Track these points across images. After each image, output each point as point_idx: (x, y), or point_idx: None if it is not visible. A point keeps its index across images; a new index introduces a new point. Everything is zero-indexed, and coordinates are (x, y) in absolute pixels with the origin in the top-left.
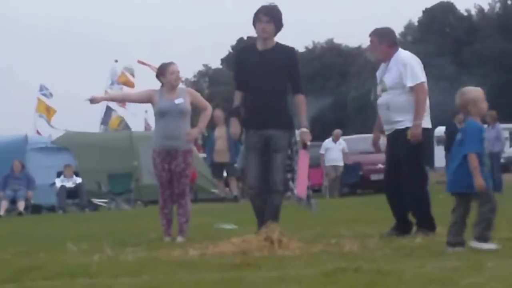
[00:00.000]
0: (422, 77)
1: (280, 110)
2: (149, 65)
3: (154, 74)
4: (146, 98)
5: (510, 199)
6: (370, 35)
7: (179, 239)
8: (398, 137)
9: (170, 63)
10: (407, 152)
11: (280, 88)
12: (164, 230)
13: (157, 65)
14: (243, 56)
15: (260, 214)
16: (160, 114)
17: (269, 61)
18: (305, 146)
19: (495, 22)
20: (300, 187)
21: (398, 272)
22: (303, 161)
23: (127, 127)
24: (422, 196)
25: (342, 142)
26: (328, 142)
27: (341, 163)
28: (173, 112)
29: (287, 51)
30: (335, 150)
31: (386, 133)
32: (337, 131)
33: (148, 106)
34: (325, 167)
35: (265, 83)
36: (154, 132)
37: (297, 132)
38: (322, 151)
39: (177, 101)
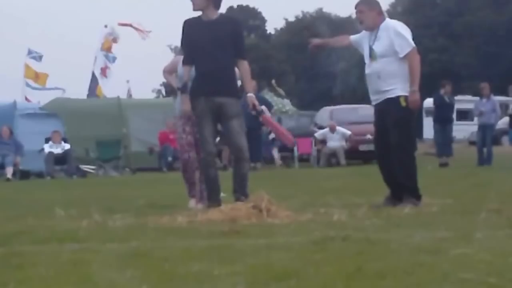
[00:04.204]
0: (413, 43)
1: (229, 77)
2: (130, 25)
3: (138, 34)
4: None
5: (499, 172)
6: (358, 5)
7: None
8: (388, 106)
9: None
10: (398, 120)
11: (228, 57)
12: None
13: (139, 24)
14: (190, 28)
15: (214, 186)
16: None
17: (215, 31)
18: (254, 106)
19: None
20: (287, 138)
21: (386, 241)
22: (270, 119)
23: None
24: (412, 164)
25: (340, 130)
26: (326, 131)
27: (340, 147)
28: None
29: (231, 21)
30: (334, 139)
31: (374, 103)
32: (332, 123)
33: (130, 76)
34: (321, 151)
35: (213, 51)
36: None
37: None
38: (319, 137)
39: None
